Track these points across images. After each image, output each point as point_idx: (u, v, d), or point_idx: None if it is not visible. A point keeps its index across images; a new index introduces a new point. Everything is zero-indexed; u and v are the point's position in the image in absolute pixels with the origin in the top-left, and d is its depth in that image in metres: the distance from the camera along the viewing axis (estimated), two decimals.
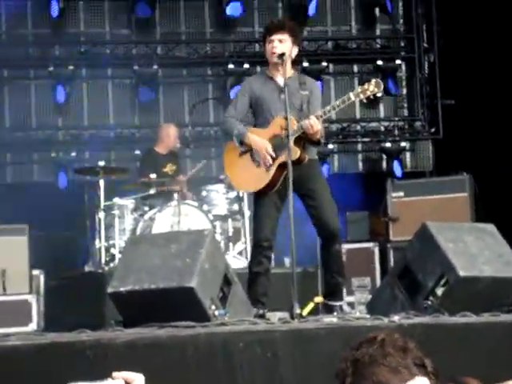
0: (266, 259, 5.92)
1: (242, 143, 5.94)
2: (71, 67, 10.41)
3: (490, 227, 5.56)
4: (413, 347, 1.88)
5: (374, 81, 5.84)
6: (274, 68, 5.98)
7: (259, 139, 5.88)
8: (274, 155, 5.84)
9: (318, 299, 8.11)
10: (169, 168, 9.06)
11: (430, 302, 5.11)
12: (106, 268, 8.18)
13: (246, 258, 8.64)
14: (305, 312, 6.69)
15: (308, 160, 5.90)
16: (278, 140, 5.84)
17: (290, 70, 5.92)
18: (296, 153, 5.74)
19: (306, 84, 6.00)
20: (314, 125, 5.65)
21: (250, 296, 5.80)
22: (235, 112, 5.99)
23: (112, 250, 8.40)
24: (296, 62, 6.20)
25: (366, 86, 5.79)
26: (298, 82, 5.98)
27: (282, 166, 5.74)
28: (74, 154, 10.33)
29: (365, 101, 6.00)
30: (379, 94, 5.92)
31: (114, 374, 1.65)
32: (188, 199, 8.69)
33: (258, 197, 5.96)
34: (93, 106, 10.74)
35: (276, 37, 5.89)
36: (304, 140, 5.82)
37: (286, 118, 5.64)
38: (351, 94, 5.80)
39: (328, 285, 6.08)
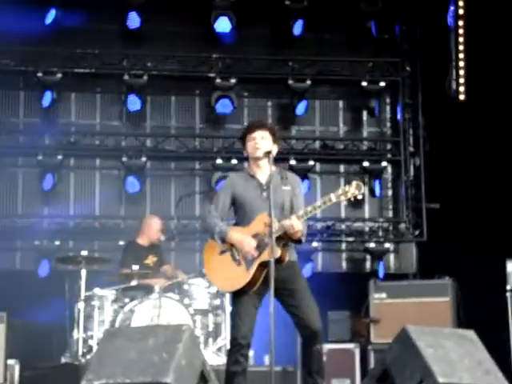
0: (244, 358, 5.85)
1: (223, 241, 5.93)
2: (60, 156, 10.48)
3: (471, 334, 5.53)
4: None
5: (354, 183, 5.89)
6: (255, 165, 6.01)
7: (242, 236, 5.88)
8: (257, 252, 5.83)
9: None
10: (150, 260, 9.04)
11: None
12: (83, 360, 8.06)
13: (226, 354, 8.54)
14: None
15: (288, 261, 5.89)
16: (259, 238, 5.84)
17: (271, 167, 5.97)
18: (277, 252, 5.73)
19: (288, 179, 6.03)
20: (295, 225, 5.66)
21: None
22: (216, 210, 6.00)
23: (90, 342, 8.30)
24: (277, 160, 6.25)
25: (346, 188, 5.84)
26: (280, 177, 6.01)
27: (263, 266, 5.73)
28: (57, 242, 10.30)
29: (345, 202, 6.04)
30: (360, 197, 5.96)
31: None
32: (181, 276, 8.64)
33: (237, 295, 5.93)
34: (79, 196, 10.77)
35: (257, 134, 5.96)
36: (285, 240, 5.82)
37: (270, 216, 5.65)
38: (332, 196, 5.84)
39: None
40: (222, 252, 5.96)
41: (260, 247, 5.81)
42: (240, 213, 6.00)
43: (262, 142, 5.94)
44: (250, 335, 5.82)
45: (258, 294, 5.82)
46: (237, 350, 5.80)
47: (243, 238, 5.86)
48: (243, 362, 5.81)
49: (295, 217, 5.71)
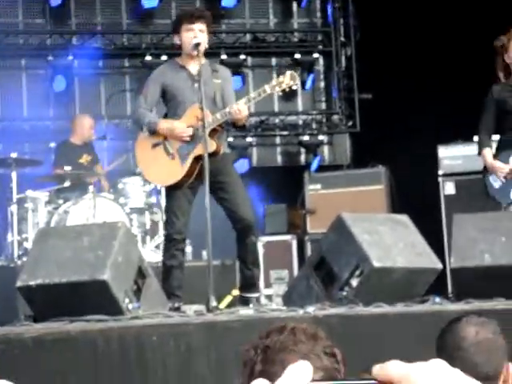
0: (180, 252, 5.86)
1: (153, 132, 5.84)
2: None
3: (404, 218, 5.61)
4: (323, 336, 1.86)
5: (289, 73, 5.83)
6: (187, 56, 5.91)
7: (171, 124, 5.80)
8: (190, 133, 5.76)
9: (236, 292, 8.08)
10: (84, 159, 8.91)
11: (344, 293, 5.12)
12: (19, 262, 7.98)
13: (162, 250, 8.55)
14: (222, 305, 6.66)
15: (222, 153, 5.85)
16: (192, 132, 5.77)
17: (202, 59, 5.87)
18: (212, 145, 5.68)
19: (219, 72, 5.96)
20: (242, 109, 5.60)
21: (164, 290, 5.72)
22: (146, 102, 5.90)
23: (25, 244, 8.21)
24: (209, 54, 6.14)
25: (281, 79, 5.78)
26: (211, 69, 5.93)
27: (197, 159, 5.68)
28: None
29: (280, 93, 5.99)
30: (294, 87, 5.92)
31: None
32: (106, 190, 8.56)
33: (170, 190, 5.88)
34: (6, 98, 10.47)
35: (196, 26, 5.82)
36: (218, 132, 5.77)
37: (202, 109, 5.58)
38: (266, 87, 5.78)
39: (244, 277, 6.05)
40: (155, 145, 5.88)
41: (194, 141, 5.75)
42: (170, 104, 5.91)
43: (200, 35, 5.81)
44: (185, 230, 5.82)
45: (192, 189, 5.79)
46: (172, 245, 5.80)
47: (172, 125, 5.78)
48: (179, 256, 5.82)
49: (242, 101, 5.65)
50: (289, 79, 5.77)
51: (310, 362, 1.77)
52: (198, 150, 5.68)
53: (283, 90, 5.83)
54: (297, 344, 1.80)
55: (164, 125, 5.81)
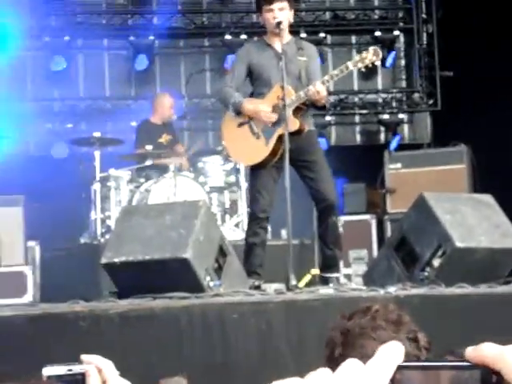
0: (263, 230, 5.88)
1: (238, 113, 5.88)
2: (67, 37, 10.31)
3: (488, 198, 5.52)
4: (406, 321, 1.84)
5: (372, 49, 5.78)
6: (272, 35, 5.92)
7: (256, 105, 5.82)
8: (274, 117, 5.77)
9: (315, 271, 8.09)
10: (164, 138, 9.00)
11: (426, 274, 5.08)
12: (102, 240, 8.14)
13: (243, 229, 8.59)
14: (301, 284, 6.67)
15: (307, 131, 5.85)
16: (277, 110, 5.78)
17: (287, 36, 5.88)
18: (295, 124, 5.68)
19: (304, 49, 5.95)
20: (321, 90, 5.58)
21: (245, 267, 5.77)
22: (232, 81, 5.93)
23: (108, 222, 8.36)
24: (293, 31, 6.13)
25: (364, 55, 5.74)
26: (296, 47, 5.92)
27: (281, 138, 5.69)
28: (69, 125, 10.25)
29: (363, 70, 5.95)
30: (377, 63, 5.88)
31: (84, 357, 1.60)
32: (186, 169, 8.64)
33: (255, 169, 5.91)
34: (89, 77, 10.64)
35: (275, 6, 5.82)
36: (303, 110, 5.77)
37: (283, 88, 5.58)
38: (349, 64, 5.75)
39: (324, 257, 6.05)
40: (241, 124, 5.92)
41: (278, 120, 5.76)
42: (257, 83, 5.94)
43: (280, 14, 5.81)
44: (269, 209, 5.83)
45: (277, 168, 5.80)
46: (256, 223, 5.82)
47: (257, 107, 5.80)
48: (262, 234, 5.84)
49: (319, 82, 5.63)
50: (372, 55, 5.72)
51: None
52: (282, 129, 5.69)
53: (366, 67, 5.79)
54: (376, 330, 1.78)
55: (249, 106, 5.83)
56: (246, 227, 8.52)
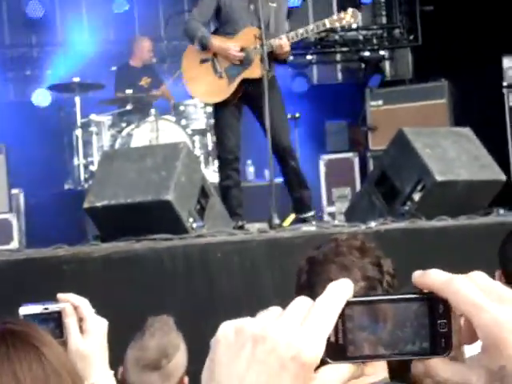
0: (235, 172, 5.88)
1: (204, 48, 5.82)
2: None
3: (467, 131, 5.54)
4: (370, 247, 1.88)
5: (351, 10, 5.77)
6: None
7: (225, 44, 5.79)
8: (241, 55, 5.74)
9: None
10: (144, 81, 8.94)
11: (407, 208, 5.12)
12: (85, 185, 8.14)
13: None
14: (285, 223, 6.71)
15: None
16: (245, 53, 5.75)
17: None
18: (260, 70, 5.65)
19: None
20: (284, 45, 5.59)
21: (228, 209, 5.81)
22: (200, 15, 5.88)
23: (91, 167, 8.35)
24: None
25: (342, 15, 5.74)
26: None
27: (243, 81, 5.69)
28: (48, 71, 10.17)
29: (339, 28, 5.96)
30: (354, 25, 5.88)
31: (60, 295, 1.62)
32: (172, 104, 8.60)
33: (217, 109, 5.90)
34: (66, 22, 10.51)
35: None
36: (269, 59, 5.75)
37: (255, 31, 5.57)
38: (326, 21, 5.75)
39: (294, 201, 6.04)
40: (203, 61, 5.87)
41: (243, 63, 5.73)
42: (224, 23, 5.88)
43: None
44: (237, 149, 5.82)
45: (238, 107, 5.80)
46: (225, 165, 5.82)
47: (226, 44, 5.77)
48: (234, 176, 5.83)
49: (285, 37, 5.62)
50: (349, 17, 5.72)
51: (351, 273, 1.80)
52: (247, 74, 5.69)
53: (342, 26, 5.81)
54: (338, 256, 1.83)
55: (217, 42, 5.79)
56: None
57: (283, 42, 5.59)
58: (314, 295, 1.73)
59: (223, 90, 5.78)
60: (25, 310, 1.60)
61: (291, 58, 9.07)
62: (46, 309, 1.60)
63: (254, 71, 5.59)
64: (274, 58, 5.75)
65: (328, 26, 5.75)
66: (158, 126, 8.14)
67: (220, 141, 5.90)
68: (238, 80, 5.75)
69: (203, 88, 5.91)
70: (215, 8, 5.86)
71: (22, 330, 1.24)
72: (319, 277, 1.81)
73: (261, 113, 5.71)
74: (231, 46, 5.76)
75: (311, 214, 6.01)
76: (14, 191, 8.22)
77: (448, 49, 9.37)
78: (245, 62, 5.74)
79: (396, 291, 1.84)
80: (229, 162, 5.83)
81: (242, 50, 5.76)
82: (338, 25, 5.78)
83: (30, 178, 8.67)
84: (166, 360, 2.77)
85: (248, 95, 5.64)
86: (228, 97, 5.77)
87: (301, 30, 5.71)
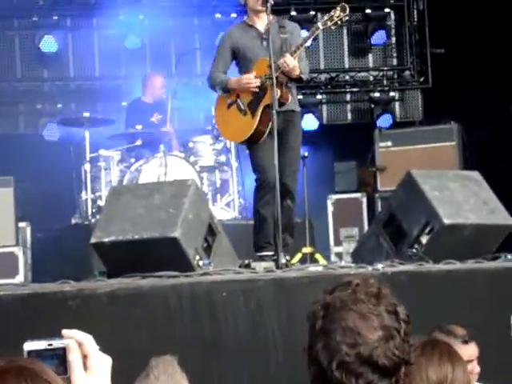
0: (273, 199, 5.74)
1: (226, 90, 5.94)
2: (56, 17, 10.25)
3: (475, 174, 5.53)
4: (386, 294, 1.86)
5: (340, 6, 5.83)
6: (254, 15, 5.96)
7: (239, 77, 5.93)
8: (257, 83, 5.82)
9: (306, 249, 8.12)
10: (155, 117, 8.98)
11: (414, 250, 5.10)
12: (93, 220, 8.14)
13: (234, 209, 8.60)
14: (293, 262, 6.68)
15: (290, 111, 5.90)
16: (261, 83, 5.84)
17: (269, 16, 5.91)
18: (277, 93, 5.72)
19: (286, 27, 6.02)
20: (289, 61, 5.67)
21: (257, 239, 5.82)
22: (218, 66, 6.05)
23: (98, 202, 8.35)
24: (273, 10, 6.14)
25: (332, 13, 5.80)
26: (278, 25, 5.97)
27: (267, 113, 5.72)
28: (59, 105, 10.22)
29: (333, 27, 5.98)
30: (346, 18, 5.90)
31: (64, 332, 1.61)
32: (175, 150, 8.63)
33: (252, 143, 5.94)
34: (79, 57, 10.59)
35: None
36: (285, 81, 5.81)
37: (267, 60, 5.65)
38: (319, 24, 5.86)
39: (273, 237, 5.89)
40: (230, 105, 6.01)
41: (262, 92, 5.81)
42: (242, 65, 6.01)
43: None
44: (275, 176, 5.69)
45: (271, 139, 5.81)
46: (267, 191, 5.75)
47: (239, 77, 5.90)
48: (272, 203, 5.69)
49: (288, 54, 5.70)
50: (339, 11, 5.78)
51: (368, 322, 1.78)
52: (266, 100, 5.75)
53: (335, 24, 5.83)
54: (356, 303, 1.81)
55: (233, 80, 5.93)
56: (236, 207, 8.56)
57: (286, 59, 5.67)
58: (330, 341, 1.72)
59: (250, 123, 5.87)
60: (29, 345, 1.58)
61: (300, 96, 9.13)
62: (51, 345, 1.59)
63: (271, 95, 5.66)
64: (288, 78, 5.80)
65: (321, 27, 5.83)
66: (166, 161, 8.16)
67: (260, 167, 5.86)
68: (260, 110, 5.83)
69: (234, 129, 6.03)
70: (231, 55, 5.99)
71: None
72: (336, 324, 1.79)
73: (278, 147, 5.67)
74: (245, 76, 5.87)
75: (271, 254, 5.84)
76: (21, 224, 8.21)
77: (458, 91, 9.39)
78: (260, 92, 5.82)
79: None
80: (270, 188, 5.72)
81: (257, 78, 5.88)
82: (329, 23, 5.82)
83: (38, 212, 8.68)
84: None
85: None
86: (255, 128, 5.82)
87: (299, 41, 5.83)
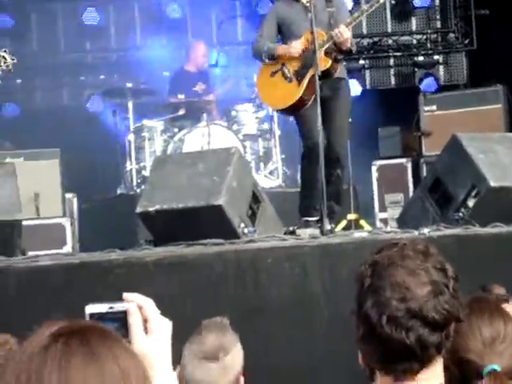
0: (318, 165, 5.68)
1: (272, 58, 5.92)
2: None
3: None
4: (434, 252, 1.86)
5: None
6: None
7: (288, 45, 5.88)
8: (300, 49, 5.79)
9: (351, 216, 8.10)
10: (199, 87, 8.98)
11: (460, 214, 5.05)
12: (138, 190, 8.19)
13: (278, 177, 8.59)
14: (338, 229, 6.67)
15: (337, 78, 5.85)
16: (307, 54, 5.79)
17: None
18: (327, 63, 5.69)
19: (332, 1, 5.93)
20: (343, 32, 5.61)
21: (305, 204, 5.79)
22: (262, 36, 6.04)
23: (143, 172, 8.40)
24: None
25: None
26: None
27: (313, 80, 5.68)
28: (102, 76, 10.26)
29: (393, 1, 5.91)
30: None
31: (125, 295, 1.62)
32: (216, 119, 8.64)
33: (298, 110, 5.90)
34: (119, 28, 10.61)
35: None
36: (335, 52, 5.75)
37: (313, 33, 5.58)
38: None
39: (319, 205, 5.86)
40: (273, 73, 5.98)
41: (309, 62, 5.77)
42: (287, 37, 6.01)
43: None
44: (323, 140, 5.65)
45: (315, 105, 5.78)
46: (315, 157, 5.68)
47: (289, 44, 5.86)
48: (320, 170, 5.61)
49: (343, 24, 5.64)
50: None
51: (417, 277, 1.78)
52: (314, 69, 5.69)
53: None
54: (404, 259, 1.81)
55: (281, 47, 5.93)
56: (280, 174, 8.54)
57: (341, 29, 5.63)
58: (379, 298, 1.72)
59: (295, 91, 5.84)
60: (90, 308, 1.59)
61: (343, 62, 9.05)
62: (112, 308, 1.60)
63: (321, 65, 5.61)
64: (338, 50, 5.76)
65: (382, 0, 5.74)
66: (209, 131, 8.17)
67: (309, 131, 5.77)
68: (306, 78, 5.79)
69: (277, 96, 6.00)
70: (276, 28, 5.98)
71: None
72: (385, 280, 1.78)
73: (326, 114, 5.65)
74: (293, 43, 5.83)
75: (316, 219, 5.81)
76: (68, 196, 8.29)
77: (504, 53, 9.23)
78: (308, 62, 5.77)
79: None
80: (318, 151, 5.64)
81: (304, 51, 5.82)
82: None
83: (84, 183, 8.75)
84: (223, 353, 2.77)
85: (320, 98, 5.60)
86: (300, 96, 5.79)
87: (356, 13, 5.80)
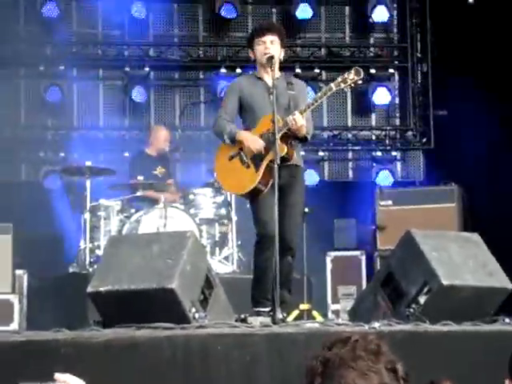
0: (272, 254, 5.67)
1: (233, 141, 5.92)
2: (62, 67, 10.35)
3: (475, 236, 5.52)
4: (385, 351, 1.84)
5: (353, 69, 5.84)
6: (263, 69, 6.00)
7: (250, 135, 5.88)
8: (261, 143, 5.82)
9: (303, 306, 8.07)
10: (159, 171, 9.02)
11: (411, 310, 5.06)
12: (91, 269, 8.10)
13: (232, 263, 8.58)
14: (289, 319, 6.62)
15: (293, 165, 5.88)
16: (265, 138, 5.83)
17: (277, 71, 5.94)
18: (283, 149, 5.72)
19: (293, 84, 6.03)
20: (297, 120, 5.67)
21: (255, 294, 5.76)
22: (226, 113, 6.00)
23: (97, 252, 8.34)
24: (281, 67, 6.17)
25: (346, 75, 5.80)
26: (286, 82, 6.00)
27: (270, 166, 5.71)
28: (62, 154, 10.27)
29: (346, 89, 6.00)
30: (360, 82, 5.91)
31: (57, 375, 1.60)
32: (175, 202, 8.64)
33: (254, 196, 5.90)
34: (83, 107, 10.67)
35: (267, 38, 5.90)
36: (291, 138, 5.81)
37: (273, 114, 5.64)
38: (332, 85, 5.82)
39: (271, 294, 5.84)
40: (231, 157, 5.97)
41: (267, 147, 5.80)
42: (247, 116, 5.99)
43: (272, 47, 5.89)
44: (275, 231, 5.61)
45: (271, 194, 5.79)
46: (267, 246, 5.68)
47: (252, 137, 5.86)
48: (272, 258, 5.60)
49: (297, 112, 5.70)
50: (353, 75, 5.78)
51: (368, 380, 1.76)
52: (271, 156, 5.73)
53: (348, 86, 5.84)
54: (356, 360, 1.79)
55: (243, 134, 5.90)
56: (235, 261, 8.53)
57: (296, 116, 5.67)
58: None
59: (252, 178, 5.83)
60: None
61: (302, 153, 9.15)
62: None
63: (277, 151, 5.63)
64: (294, 136, 5.80)
65: (334, 88, 5.80)
66: (166, 213, 8.17)
67: (261, 221, 5.79)
68: (263, 164, 5.81)
69: (234, 182, 5.98)
70: (238, 104, 5.98)
71: None
72: (335, 381, 1.77)
73: (280, 202, 5.62)
74: (254, 140, 5.82)
75: (268, 309, 5.78)
76: (18, 272, 8.18)
77: (460, 154, 9.42)
78: (268, 147, 5.79)
79: None
80: (271, 243, 5.61)
81: (262, 135, 5.85)
82: (343, 85, 5.82)
83: (35, 260, 8.65)
84: None
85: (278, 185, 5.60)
86: (257, 184, 5.80)
87: (310, 101, 5.83)
